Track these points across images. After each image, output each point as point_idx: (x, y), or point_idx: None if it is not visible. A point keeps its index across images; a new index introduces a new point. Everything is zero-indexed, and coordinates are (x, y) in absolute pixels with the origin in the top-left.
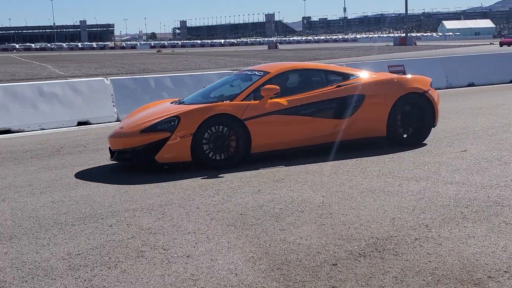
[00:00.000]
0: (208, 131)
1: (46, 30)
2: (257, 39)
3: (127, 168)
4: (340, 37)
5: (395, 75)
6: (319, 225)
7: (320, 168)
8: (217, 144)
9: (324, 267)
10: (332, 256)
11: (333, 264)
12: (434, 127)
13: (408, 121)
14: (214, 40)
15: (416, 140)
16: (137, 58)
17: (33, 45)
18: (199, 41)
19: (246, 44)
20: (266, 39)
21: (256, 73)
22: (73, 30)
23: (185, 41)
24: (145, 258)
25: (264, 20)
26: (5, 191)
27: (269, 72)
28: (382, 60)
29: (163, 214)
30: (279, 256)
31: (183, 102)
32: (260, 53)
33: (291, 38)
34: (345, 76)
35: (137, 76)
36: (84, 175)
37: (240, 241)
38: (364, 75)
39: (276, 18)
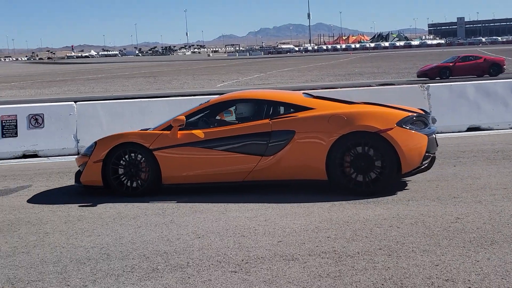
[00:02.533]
0: (123, 158)
1: None
2: None
3: None
4: None
5: (360, 109)
6: None
7: None
8: (129, 172)
9: None
10: None
11: None
12: (404, 176)
13: (364, 165)
14: None
15: (375, 188)
16: None
17: (499, 38)
18: None
19: None
20: None
21: (203, 102)
22: None
23: None
24: None
25: None
26: (480, 192)
27: (208, 101)
28: None
29: None
30: None
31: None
32: None
33: None
34: (297, 109)
35: None
36: None
37: None
38: (323, 108)
39: None
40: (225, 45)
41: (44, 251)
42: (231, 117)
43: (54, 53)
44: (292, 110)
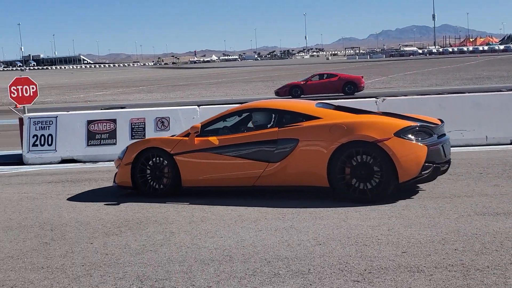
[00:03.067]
0: (150, 161)
1: None
2: None
3: None
4: None
5: (362, 120)
6: None
7: None
8: (153, 175)
9: None
10: None
11: None
12: (403, 185)
13: (363, 173)
14: None
15: (373, 196)
16: None
17: None
18: None
19: None
20: None
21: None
22: None
23: None
24: None
25: None
26: None
27: (227, 110)
28: None
29: None
30: None
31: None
32: None
33: None
34: (306, 118)
35: None
36: None
37: None
38: (329, 117)
39: None
40: (345, 48)
41: (171, 250)
42: (249, 125)
43: (178, 58)
44: (301, 119)
